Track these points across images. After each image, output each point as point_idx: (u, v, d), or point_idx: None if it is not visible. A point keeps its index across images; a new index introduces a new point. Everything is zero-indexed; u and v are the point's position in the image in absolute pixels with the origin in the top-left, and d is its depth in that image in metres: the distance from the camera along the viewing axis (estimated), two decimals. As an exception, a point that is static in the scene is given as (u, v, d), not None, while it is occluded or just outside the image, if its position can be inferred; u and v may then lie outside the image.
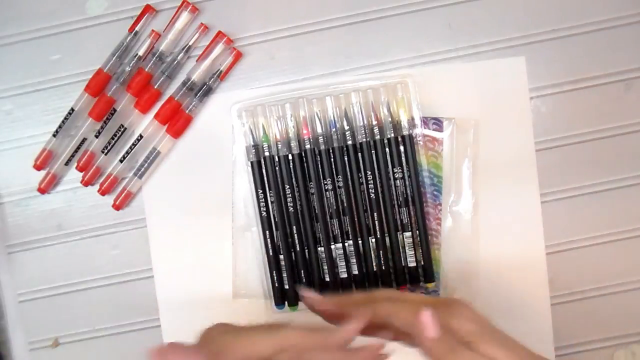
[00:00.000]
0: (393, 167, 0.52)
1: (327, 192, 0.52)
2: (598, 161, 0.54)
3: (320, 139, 0.52)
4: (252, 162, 0.53)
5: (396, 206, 0.52)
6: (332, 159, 0.52)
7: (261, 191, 0.53)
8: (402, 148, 0.52)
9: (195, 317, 0.55)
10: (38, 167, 0.55)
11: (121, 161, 0.55)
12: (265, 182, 0.53)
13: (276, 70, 0.55)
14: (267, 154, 0.52)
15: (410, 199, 0.52)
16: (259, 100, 0.54)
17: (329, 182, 0.52)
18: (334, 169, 0.52)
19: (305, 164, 0.52)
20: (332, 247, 0.53)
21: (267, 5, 0.55)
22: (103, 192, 0.55)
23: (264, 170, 0.53)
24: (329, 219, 0.52)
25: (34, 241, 0.56)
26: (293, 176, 0.52)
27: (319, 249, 0.53)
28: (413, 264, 0.52)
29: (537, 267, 0.54)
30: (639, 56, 0.54)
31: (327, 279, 0.53)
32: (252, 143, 0.53)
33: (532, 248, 0.54)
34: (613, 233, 0.54)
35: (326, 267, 0.53)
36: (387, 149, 0.52)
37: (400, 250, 0.53)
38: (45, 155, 0.55)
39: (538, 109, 0.54)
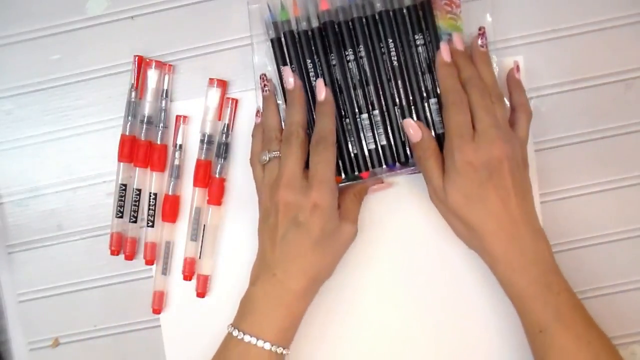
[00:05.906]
0: (414, 34, 0.51)
1: (349, 63, 0.51)
2: (598, 161, 0.54)
3: (339, 11, 0.51)
4: (272, 40, 0.52)
5: (419, 73, 0.52)
6: (352, 30, 0.51)
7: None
8: (421, 14, 0.51)
9: (195, 317, 0.55)
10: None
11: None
12: (287, 58, 0.52)
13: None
14: (286, 29, 0.52)
15: (433, 64, 0.51)
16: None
17: (350, 52, 0.51)
18: (354, 40, 0.52)
19: (326, 37, 0.52)
20: (358, 118, 0.52)
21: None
22: None
23: (284, 47, 0.52)
24: (352, 90, 0.52)
25: (34, 241, 0.56)
26: (314, 50, 0.52)
27: (345, 120, 0.52)
28: (441, 130, 0.51)
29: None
30: (639, 56, 0.54)
31: (355, 151, 0.52)
32: (271, 20, 0.52)
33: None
34: (613, 233, 0.54)
35: (353, 138, 0.52)
36: (406, 17, 0.51)
37: (427, 116, 0.52)
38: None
39: (537, 109, 0.54)
